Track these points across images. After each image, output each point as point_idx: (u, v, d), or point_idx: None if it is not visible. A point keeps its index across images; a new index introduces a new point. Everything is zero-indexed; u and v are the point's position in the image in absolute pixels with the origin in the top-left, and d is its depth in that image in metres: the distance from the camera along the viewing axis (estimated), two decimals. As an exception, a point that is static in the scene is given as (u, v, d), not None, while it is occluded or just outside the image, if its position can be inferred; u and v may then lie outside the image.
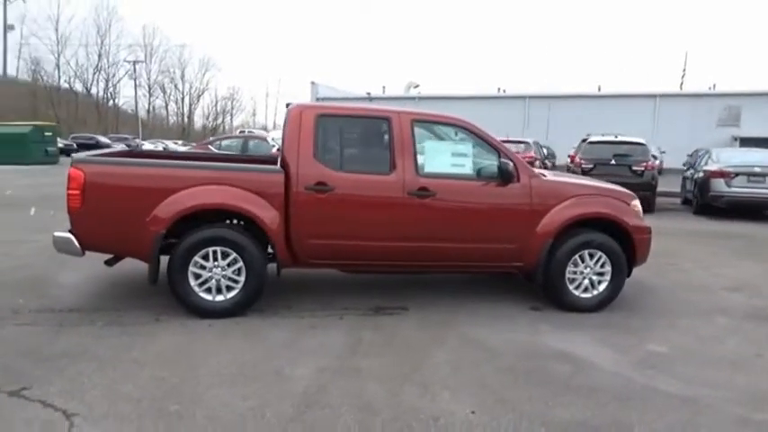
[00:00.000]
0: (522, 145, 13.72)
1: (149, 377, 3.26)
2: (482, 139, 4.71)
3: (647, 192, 11.32)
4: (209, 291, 4.26)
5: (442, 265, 4.77)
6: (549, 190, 4.74)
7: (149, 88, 65.83)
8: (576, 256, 4.77)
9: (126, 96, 65.18)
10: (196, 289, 4.23)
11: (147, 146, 30.83)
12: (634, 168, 11.48)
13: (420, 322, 4.42)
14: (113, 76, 62.34)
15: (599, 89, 35.72)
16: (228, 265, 4.26)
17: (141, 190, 4.14)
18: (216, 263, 4.24)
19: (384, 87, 41.37)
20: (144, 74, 63.79)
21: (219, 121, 71.31)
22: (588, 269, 4.80)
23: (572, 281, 4.80)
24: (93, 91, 61.66)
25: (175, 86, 67.93)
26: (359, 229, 4.44)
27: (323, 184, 4.34)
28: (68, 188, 4.07)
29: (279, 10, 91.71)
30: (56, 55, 56.78)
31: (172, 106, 68.52)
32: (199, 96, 70.32)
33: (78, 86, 60.43)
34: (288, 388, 3.20)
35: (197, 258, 4.21)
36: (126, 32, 69.60)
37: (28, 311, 4.29)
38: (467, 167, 4.65)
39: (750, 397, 3.37)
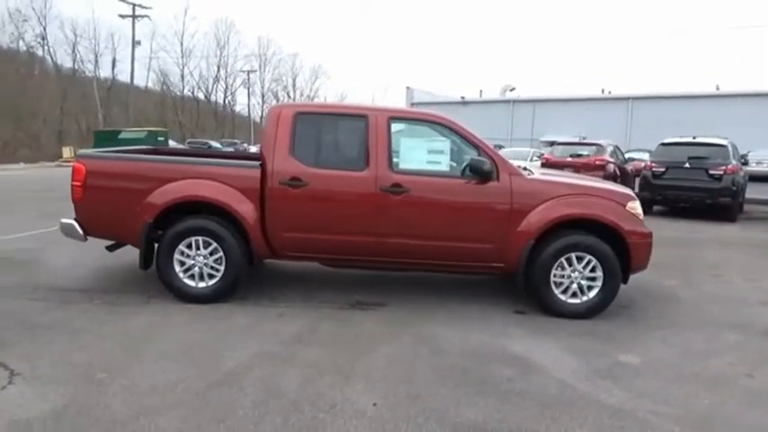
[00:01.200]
0: (594, 147, 12.99)
1: (102, 349, 3.61)
2: (461, 137, 4.63)
3: (726, 198, 10.30)
4: (192, 277, 4.59)
5: (417, 263, 4.74)
6: (531, 189, 4.55)
7: (263, 96, 70.19)
8: (563, 259, 4.53)
9: (242, 104, 69.86)
10: (181, 275, 4.57)
11: (254, 149, 32.96)
12: (711, 172, 10.44)
13: (388, 318, 4.44)
14: (231, 85, 67.20)
15: (717, 88, 32.65)
16: (210, 254, 4.56)
17: (133, 183, 4.56)
18: (198, 251, 4.55)
19: (481, 91, 40.96)
20: (258, 82, 68.15)
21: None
22: (577, 273, 4.55)
23: (558, 285, 4.57)
24: (213, 99, 66.82)
25: (287, 94, 71.89)
26: (332, 223, 4.55)
27: (297, 179, 4.51)
28: (72, 180, 4.59)
29: (385, 17, 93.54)
30: (181, 67, 62.35)
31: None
32: (308, 103, 73.59)
33: (200, 95, 65.76)
34: (215, 367, 3.39)
35: (181, 247, 4.54)
36: (243, 44, 75.06)
37: (43, 289, 4.87)
38: (443, 164, 4.60)
39: (701, 419, 3.05)
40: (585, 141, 13.60)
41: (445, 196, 4.55)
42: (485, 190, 4.52)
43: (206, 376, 3.27)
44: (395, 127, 4.62)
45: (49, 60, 43.48)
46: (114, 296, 4.72)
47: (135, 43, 38.52)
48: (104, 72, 51.23)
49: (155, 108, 56.51)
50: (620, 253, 4.54)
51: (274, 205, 4.52)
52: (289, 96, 72.82)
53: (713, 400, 3.27)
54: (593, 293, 4.56)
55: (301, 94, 73.71)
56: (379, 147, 4.54)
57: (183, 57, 63.30)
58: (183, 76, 64.45)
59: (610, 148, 13.20)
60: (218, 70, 65.51)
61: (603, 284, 4.54)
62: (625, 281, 4.68)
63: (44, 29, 42.23)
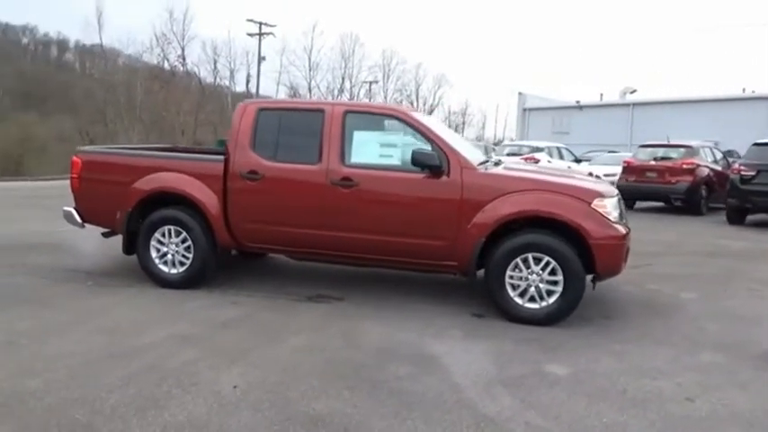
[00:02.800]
0: (683, 150, 11.70)
1: (51, 321, 4.02)
2: (416, 130, 4.50)
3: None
4: (166, 264, 4.93)
5: (371, 258, 4.66)
6: (483, 184, 4.30)
7: (385, 105, 72.11)
8: (519, 261, 4.22)
9: (365, 114, 71.98)
10: (156, 261, 4.93)
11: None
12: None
13: (332, 311, 4.45)
14: (356, 96, 69.89)
15: None
16: (182, 242, 4.88)
17: (117, 175, 5.02)
18: (171, 240, 4.89)
19: (602, 95, 38.60)
20: (381, 92, 70.12)
21: (452, 134, 74.27)
22: (534, 276, 4.21)
23: (515, 287, 4.26)
24: (338, 110, 69.86)
25: (411, 103, 73.25)
26: (287, 216, 4.65)
27: (254, 172, 4.67)
28: (71, 173, 5.16)
29: (507, 23, 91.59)
30: (308, 80, 66.17)
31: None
32: (430, 111, 74.57)
33: (326, 106, 69.06)
34: (126, 342, 3.64)
35: (157, 235, 4.91)
36: (366, 56, 77.28)
37: (59, 270, 5.50)
38: (395, 158, 4.50)
39: (583, 435, 2.72)
40: (674, 143, 12.31)
41: (394, 190, 4.46)
42: (435, 185, 4.35)
43: (110, 349, 3.52)
44: (350, 121, 4.62)
45: (188, 76, 48.51)
46: (107, 279, 5.21)
47: (261, 59, 41.80)
48: (239, 87, 56.00)
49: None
50: (584, 255, 4.14)
51: (235, 197, 4.73)
52: (412, 105, 74.34)
53: (616, 419, 2.88)
54: (552, 299, 4.20)
55: (424, 103, 74.69)
56: (332, 141, 4.56)
57: (310, 70, 67.27)
58: (310, 89, 68.52)
59: (705, 151, 11.85)
60: (343, 82, 68.59)
61: (564, 289, 4.16)
62: (593, 286, 4.25)
63: (183, 49, 47.03)
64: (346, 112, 4.64)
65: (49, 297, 4.59)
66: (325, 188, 4.52)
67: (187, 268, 4.87)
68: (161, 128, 38.92)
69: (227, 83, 55.74)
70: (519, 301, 4.25)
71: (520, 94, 37.80)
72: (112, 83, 39.87)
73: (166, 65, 44.90)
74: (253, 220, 4.74)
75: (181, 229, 4.85)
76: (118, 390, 2.97)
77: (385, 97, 70.88)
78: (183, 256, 4.88)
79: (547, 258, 4.16)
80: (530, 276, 4.22)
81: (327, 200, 4.53)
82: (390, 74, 70.49)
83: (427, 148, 4.40)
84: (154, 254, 4.92)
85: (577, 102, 35.02)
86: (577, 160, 15.98)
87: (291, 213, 4.64)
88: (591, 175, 15.96)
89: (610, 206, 4.22)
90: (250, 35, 42.59)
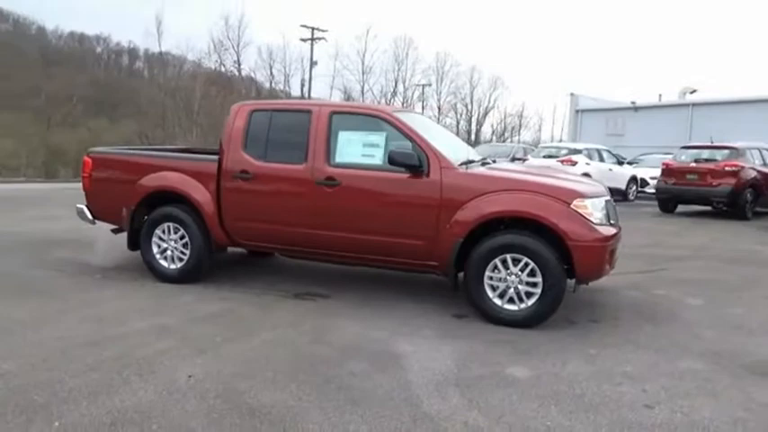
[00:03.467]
0: (727, 151, 11.07)
1: (49, 309, 4.28)
2: (397, 129, 4.51)
3: None
4: (166, 259, 5.16)
5: (354, 257, 4.71)
6: (462, 184, 4.27)
7: (439, 108, 71.90)
8: (498, 261, 4.17)
9: (420, 117, 71.90)
10: (158, 256, 5.17)
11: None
12: None
13: (312, 308, 4.54)
14: (409, 99, 69.98)
15: None
16: (180, 238, 5.09)
17: (123, 174, 5.29)
18: (170, 236, 5.11)
19: (660, 95, 37.04)
20: (434, 95, 69.91)
21: (507, 136, 73.41)
22: (514, 277, 4.15)
23: (494, 288, 4.21)
24: (391, 113, 70.18)
25: (465, 106, 72.78)
26: (276, 214, 4.77)
27: (245, 172, 4.82)
28: (82, 172, 5.48)
29: (562, 24, 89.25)
30: (361, 84, 66.85)
31: (462, 124, 73.42)
32: (485, 114, 73.84)
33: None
34: (106, 332, 3.83)
35: (158, 231, 5.14)
36: (420, 59, 77.27)
37: (75, 263, 5.83)
38: (376, 158, 4.53)
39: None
40: (717, 145, 11.68)
41: (375, 190, 4.49)
42: (414, 184, 4.36)
43: (92, 337, 3.73)
44: (336, 121, 4.69)
45: (244, 81, 50.08)
46: (116, 273, 5.48)
47: (312, 63, 42.65)
48: (295, 91, 57.31)
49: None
50: (565, 257, 4.05)
51: (227, 196, 4.89)
52: (466, 108, 73.90)
53: (561, 423, 2.82)
54: (532, 301, 4.12)
55: (479, 106, 74.11)
56: (317, 141, 4.65)
57: (363, 74, 67.92)
58: (363, 92, 69.16)
59: (752, 153, 11.20)
60: (396, 85, 68.88)
61: (543, 291, 4.07)
62: (574, 289, 4.14)
63: (237, 55, 48.61)
64: (332, 113, 4.72)
65: (57, 288, 4.89)
66: (311, 188, 4.61)
67: (184, 264, 5.08)
68: (218, 131, 40.24)
69: (282, 87, 57.31)
70: (498, 302, 4.20)
71: (572, 95, 36.77)
72: (172, 88, 41.78)
73: (223, 70, 46.73)
74: (244, 219, 4.89)
75: (179, 227, 5.06)
76: (82, 375, 3.15)
77: (438, 100, 70.78)
78: (181, 252, 5.09)
79: (525, 260, 4.09)
80: (508, 278, 4.15)
81: (313, 199, 4.62)
82: (444, 77, 70.16)
83: (408, 147, 4.42)
84: (155, 249, 5.16)
85: (632, 102, 33.72)
86: (620, 162, 15.43)
87: (280, 212, 4.75)
88: (635, 178, 15.46)
89: (591, 207, 4.10)
90: (303, 40, 43.54)
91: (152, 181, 5.10)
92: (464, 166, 4.40)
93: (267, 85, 57.24)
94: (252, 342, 3.78)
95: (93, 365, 3.28)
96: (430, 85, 68.06)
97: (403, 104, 70.03)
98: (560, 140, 38.48)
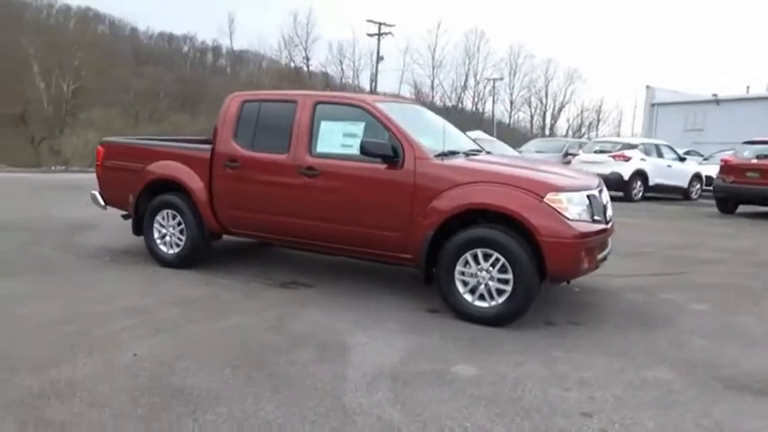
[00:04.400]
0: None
1: (47, 287, 4.60)
2: (376, 119, 4.43)
3: None
4: (165, 245, 5.36)
5: (334, 247, 4.69)
6: (435, 175, 4.14)
7: (511, 103, 70.32)
8: (468, 256, 4.02)
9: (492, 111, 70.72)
10: (158, 242, 5.38)
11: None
12: None
13: (289, 297, 4.58)
14: (480, 93, 68.87)
15: None
16: (177, 225, 5.27)
17: (129, 162, 5.53)
18: (168, 222, 5.31)
19: (748, 87, 34.32)
20: (507, 89, 68.43)
21: (583, 132, 70.75)
22: (485, 273, 3.99)
23: (466, 284, 4.07)
24: (461, 107, 69.42)
25: (540, 100, 70.75)
26: (261, 203, 4.83)
27: (234, 160, 4.91)
28: (96, 160, 5.78)
29: (643, 14, 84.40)
30: (431, 78, 66.44)
31: (536, 119, 71.48)
32: (560, 109, 71.47)
33: (449, 103, 68.95)
34: (81, 310, 4.02)
35: (158, 218, 5.35)
36: (492, 53, 75.49)
37: (91, 246, 6.18)
38: (354, 148, 4.46)
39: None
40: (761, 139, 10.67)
41: (352, 180, 4.45)
42: (389, 175, 4.28)
43: (65, 314, 3.94)
44: (319, 111, 4.68)
45: (314, 76, 51.22)
46: (125, 257, 5.75)
47: (379, 58, 42.90)
48: (365, 85, 57.95)
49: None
50: (536, 253, 3.84)
51: (218, 184, 5.01)
52: (541, 102, 71.80)
53: (482, 425, 2.68)
54: (502, 298, 3.95)
55: (554, 100, 71.83)
56: (300, 130, 4.67)
57: (433, 68, 67.43)
58: (432, 87, 68.68)
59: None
60: (466, 79, 67.96)
61: (513, 289, 3.89)
62: (538, 288, 3.93)
63: (305, 50, 49.69)
64: (316, 103, 4.72)
65: (62, 269, 5.21)
66: (293, 177, 4.63)
67: (181, 250, 5.26)
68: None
69: (351, 81, 58.13)
70: (469, 298, 4.05)
71: (647, 87, 34.73)
72: (245, 84, 43.38)
73: (293, 65, 47.98)
74: (233, 207, 4.99)
75: (177, 214, 5.24)
76: (37, 349, 3.33)
77: (511, 94, 69.18)
78: (179, 238, 5.27)
79: (496, 255, 3.92)
80: (479, 273, 4.00)
81: (294, 189, 4.64)
82: (517, 70, 68.60)
83: (384, 136, 4.34)
84: (156, 235, 5.37)
85: (714, 95, 31.48)
86: (681, 158, 14.43)
87: (265, 201, 4.81)
88: (699, 176, 14.43)
89: (566, 201, 3.86)
90: (370, 35, 43.86)
91: (153, 169, 5.30)
92: (440, 157, 4.26)
93: (338, 80, 58.29)
94: (212, 326, 3.86)
95: (52, 340, 3.47)
96: (502, 78, 66.59)
97: (473, 99, 69.17)
98: (636, 135, 36.53)
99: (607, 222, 4.26)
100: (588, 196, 4.06)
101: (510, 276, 3.89)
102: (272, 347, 3.52)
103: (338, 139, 4.58)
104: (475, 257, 4.00)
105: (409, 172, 4.21)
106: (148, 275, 5.08)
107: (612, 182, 13.05)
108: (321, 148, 4.61)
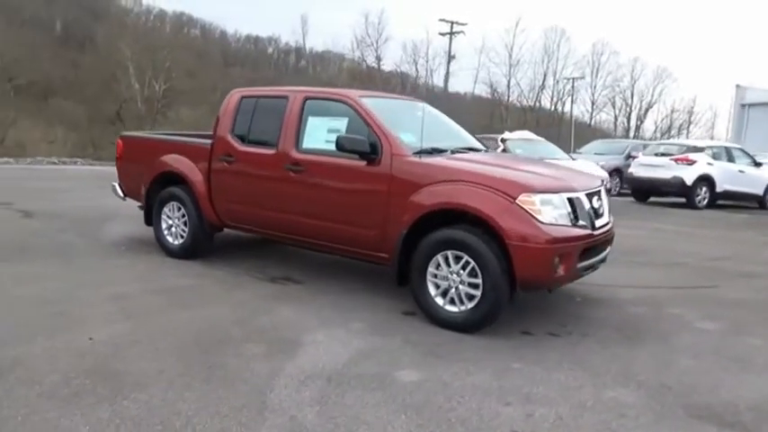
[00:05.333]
0: None
1: (55, 270, 4.88)
2: (359, 115, 4.35)
3: None
4: (171, 236, 5.55)
5: (318, 244, 4.65)
6: (412, 173, 4.01)
7: (593, 103, 67.51)
8: (440, 257, 3.87)
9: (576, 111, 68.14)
10: (165, 232, 5.58)
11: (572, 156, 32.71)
12: None
13: (272, 292, 4.58)
14: (560, 92, 66.58)
15: None
16: (182, 217, 5.45)
17: (142, 155, 5.77)
18: (174, 214, 5.49)
19: None
20: (588, 89, 65.80)
21: (672, 134, 66.76)
22: (456, 276, 3.82)
23: (438, 286, 3.92)
24: (538, 106, 67.41)
25: (624, 101, 67.50)
26: (252, 197, 4.90)
27: (229, 155, 5.00)
28: (116, 153, 6.07)
29: (743, 8, 77.94)
30: (507, 77, 64.93)
31: (621, 120, 68.27)
32: (647, 110, 67.87)
33: (526, 103, 67.17)
34: (70, 294, 4.23)
35: (165, 209, 5.55)
36: (573, 51, 72.51)
37: (116, 235, 6.52)
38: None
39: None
40: None
41: (332, 176, 4.40)
42: (367, 171, 4.19)
43: (54, 296, 4.16)
44: (308, 107, 4.67)
45: (388, 76, 51.55)
46: (140, 246, 5.99)
47: (450, 57, 42.49)
48: (438, 84, 57.63)
49: (481, 115, 60.47)
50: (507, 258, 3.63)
51: (215, 178, 5.12)
52: (625, 103, 68.46)
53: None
54: (472, 303, 3.77)
55: (641, 100, 68.26)
56: (289, 126, 4.67)
57: (510, 67, 65.85)
58: (509, 86, 67.09)
59: None
60: (545, 79, 65.89)
61: (482, 294, 3.70)
62: (511, 296, 3.70)
63: (376, 50, 49.98)
64: (306, 99, 4.71)
65: (79, 255, 5.51)
66: (281, 172, 4.65)
67: (183, 241, 5.43)
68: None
69: (424, 81, 57.98)
70: (440, 301, 3.90)
71: (738, 86, 32.13)
72: (322, 83, 44.22)
73: (364, 67, 48.51)
74: (229, 201, 5.08)
75: (181, 206, 5.41)
76: (9, 327, 3.53)
77: (592, 93, 66.37)
78: (182, 230, 5.44)
79: (466, 258, 3.75)
80: (450, 276, 3.84)
81: (282, 184, 4.66)
82: (600, 69, 65.77)
83: (363, 132, 4.25)
84: (163, 226, 5.58)
85: (816, 96, 28.52)
86: (757, 164, 13.22)
87: (256, 195, 4.87)
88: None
89: (540, 203, 3.61)
90: (442, 34, 43.50)
91: (160, 162, 5.50)
92: (418, 155, 4.12)
93: (412, 80, 58.33)
94: (183, 315, 3.94)
95: (29, 320, 3.67)
96: (583, 77, 64.09)
97: (551, 99, 66.91)
98: (727, 139, 33.96)
99: (596, 228, 3.95)
100: (571, 199, 3.79)
101: (479, 281, 3.71)
102: (229, 339, 3.55)
103: (323, 134, 4.55)
104: (447, 259, 3.84)
105: (386, 168, 4.11)
106: (151, 265, 5.27)
107: (674, 187, 12.23)
108: (307, 143, 4.60)
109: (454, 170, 3.93)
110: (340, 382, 3.04)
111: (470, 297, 3.77)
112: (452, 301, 3.85)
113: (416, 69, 60.01)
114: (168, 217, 5.53)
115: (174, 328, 3.67)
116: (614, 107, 68.14)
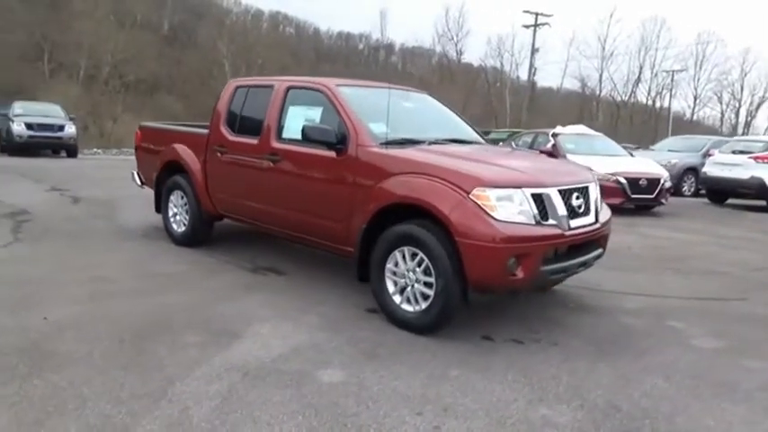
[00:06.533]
0: None
1: (66, 250, 5.21)
2: (332, 105, 4.21)
3: None
4: (176, 223, 5.70)
5: (294, 236, 4.56)
6: (374, 164, 3.83)
7: (695, 97, 62.79)
8: (397, 253, 3.67)
9: (676, 106, 63.71)
10: (171, 220, 5.74)
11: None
12: None
13: (248, 282, 4.57)
14: (658, 86, 62.42)
15: None
16: (184, 205, 5.57)
17: (154, 145, 5.96)
18: (177, 202, 5.63)
19: None
20: (691, 82, 61.30)
21: (789, 132, 60.69)
22: (411, 273, 3.61)
23: (396, 284, 3.72)
24: (632, 101, 63.56)
25: (732, 95, 62.23)
26: (239, 187, 4.91)
27: (222, 145, 5.04)
28: (135, 143, 6.32)
29: None
30: (599, 71, 61.61)
31: (728, 115, 63.05)
32: (759, 105, 62.15)
33: (618, 97, 63.54)
34: (57, 276, 4.45)
35: (171, 197, 5.71)
36: (673, 42, 67.35)
37: (147, 221, 6.78)
38: (309, 134, 4.29)
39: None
40: None
41: (304, 167, 4.30)
42: (335, 163, 4.05)
43: (45, 276, 4.41)
44: (290, 96, 4.59)
45: (469, 70, 50.68)
46: (155, 233, 6.16)
47: (534, 50, 40.91)
48: (524, 78, 55.84)
49: (570, 110, 57.96)
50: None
51: (210, 168, 5.18)
52: (733, 97, 63.00)
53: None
54: (426, 303, 3.54)
55: (752, 94, 62.54)
56: (271, 116, 4.62)
57: (602, 60, 62.43)
58: (600, 80, 63.64)
59: None
60: (641, 72, 61.98)
61: (435, 294, 3.47)
62: (465, 298, 3.43)
63: (455, 44, 49.10)
64: (289, 88, 4.64)
65: (91, 238, 5.80)
66: (261, 163, 4.62)
67: (185, 229, 5.55)
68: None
69: (510, 75, 56.38)
70: (397, 299, 3.70)
71: None
72: (407, 79, 44.26)
73: (445, 60, 47.92)
74: (221, 190, 5.12)
75: (183, 194, 5.54)
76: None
77: (695, 87, 61.67)
78: (185, 218, 5.57)
79: (421, 254, 3.52)
80: (407, 273, 3.63)
81: (261, 174, 4.63)
82: (704, 61, 60.97)
83: (333, 122, 4.11)
84: (170, 213, 5.74)
85: None
86: None
87: (242, 185, 4.87)
88: None
89: (495, 199, 3.30)
90: (526, 27, 41.97)
91: (168, 152, 5.66)
92: (385, 146, 3.92)
93: (497, 74, 56.94)
94: (143, 301, 3.99)
95: (6, 297, 3.88)
96: (685, 70, 59.67)
97: (648, 93, 62.78)
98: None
99: (571, 228, 3.58)
100: (538, 195, 3.45)
101: (433, 280, 3.47)
102: (173, 327, 3.55)
103: (299, 124, 4.44)
104: (404, 256, 3.64)
105: (351, 160, 3.95)
106: (153, 250, 5.44)
107: (752, 188, 11.05)
108: (286, 133, 4.53)
109: (416, 162, 3.70)
110: (256, 378, 2.95)
111: (425, 297, 3.55)
112: (408, 300, 3.65)
113: (501, 63, 58.47)
114: (174, 205, 5.68)
115: (127, 313, 3.73)
116: (720, 102, 63.03)
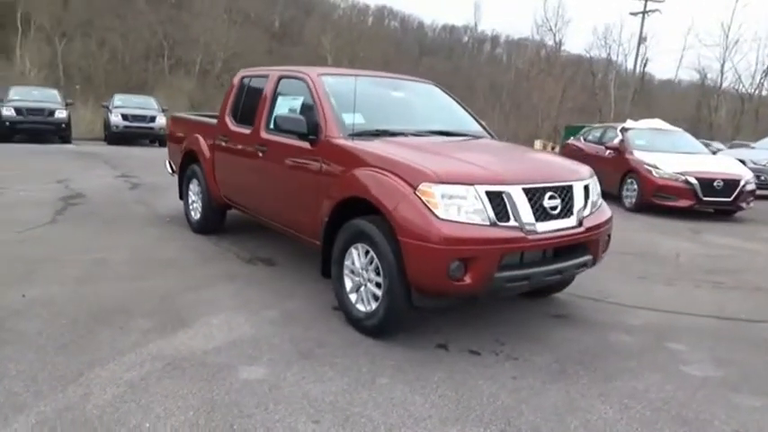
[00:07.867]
0: None
1: (87, 231, 5.53)
2: (311, 94, 4.08)
3: None
4: (194, 211, 5.87)
5: (277, 227, 4.50)
6: (339, 157, 3.68)
7: None
8: (353, 250, 3.51)
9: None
10: (190, 207, 5.92)
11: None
12: None
13: (236, 271, 4.60)
14: (795, 79, 55.93)
15: None
16: (200, 193, 5.72)
17: (181, 135, 6.15)
18: (195, 191, 5.79)
19: None
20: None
21: None
22: (365, 272, 3.43)
23: (353, 282, 3.56)
24: (758, 94, 57.58)
25: None
26: (236, 176, 4.95)
27: (225, 135, 5.09)
28: (167, 132, 6.57)
29: None
30: (721, 61, 56.29)
31: None
32: None
33: (743, 89, 57.80)
34: (63, 255, 4.72)
35: (191, 186, 5.89)
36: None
37: (163, 207, 7.03)
38: (289, 123, 4.19)
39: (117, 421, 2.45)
40: None
41: (284, 157, 4.21)
42: (309, 153, 3.93)
43: (51, 255, 4.70)
44: (282, 86, 4.54)
45: (570, 62, 48.10)
46: (181, 220, 6.36)
47: (641, 39, 38.09)
48: (631, 69, 52.25)
49: (687, 103, 53.50)
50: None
51: (216, 157, 5.26)
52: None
53: (162, 427, 2.41)
54: (375, 304, 3.35)
55: None
56: (264, 106, 4.60)
57: (725, 49, 56.91)
58: (722, 72, 58.09)
59: None
60: (772, 61, 55.75)
61: (382, 295, 3.27)
62: (409, 300, 3.18)
63: (554, 35, 46.56)
64: (280, 78, 4.58)
65: (122, 222, 6.13)
66: (252, 153, 4.61)
67: (199, 217, 5.70)
68: (522, 114, 40.55)
69: (619, 65, 53.07)
70: (353, 298, 3.54)
71: None
72: (498, 70, 43.13)
73: (544, 52, 45.84)
74: (223, 180, 5.20)
75: (198, 183, 5.69)
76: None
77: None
78: (200, 206, 5.72)
79: (372, 252, 3.34)
80: (361, 271, 3.46)
81: (252, 164, 4.62)
82: None
83: (309, 113, 3.99)
84: (189, 201, 5.93)
85: None
86: None
87: (238, 174, 4.92)
88: None
89: (441, 196, 3.01)
90: (633, 14, 39.17)
91: (189, 140, 5.82)
92: (352, 137, 3.74)
93: (603, 64, 53.80)
94: (123, 285, 4.11)
95: (3, 274, 4.17)
96: (830, 60, 52.84)
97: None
98: None
99: (538, 231, 3.21)
100: (496, 193, 3.12)
101: (381, 279, 3.28)
102: (135, 310, 3.64)
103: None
104: (359, 253, 3.47)
105: (319, 152, 3.83)
106: (167, 236, 5.64)
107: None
108: (274, 123, 4.48)
109: (375, 155, 3.48)
110: (176, 368, 2.93)
111: (376, 297, 3.36)
112: (362, 300, 3.47)
113: (608, 53, 55.10)
114: (192, 193, 5.86)
115: (101, 296, 3.87)
116: None
